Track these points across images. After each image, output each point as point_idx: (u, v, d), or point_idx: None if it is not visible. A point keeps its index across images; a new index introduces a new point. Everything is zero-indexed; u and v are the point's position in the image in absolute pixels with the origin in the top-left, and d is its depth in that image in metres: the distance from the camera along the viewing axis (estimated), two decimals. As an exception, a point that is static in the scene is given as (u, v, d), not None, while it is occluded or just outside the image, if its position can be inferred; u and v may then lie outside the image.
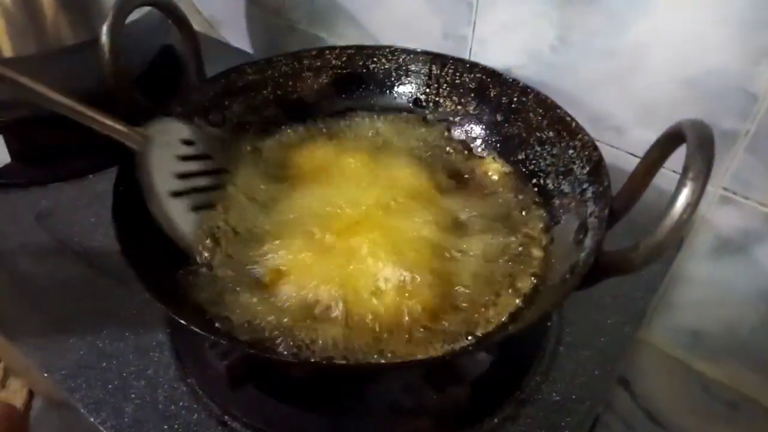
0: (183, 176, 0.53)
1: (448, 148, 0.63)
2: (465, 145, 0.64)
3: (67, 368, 0.53)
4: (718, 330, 0.73)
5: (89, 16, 0.67)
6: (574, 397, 0.51)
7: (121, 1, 0.52)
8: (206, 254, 0.51)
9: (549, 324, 0.56)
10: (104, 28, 0.51)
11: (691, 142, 0.37)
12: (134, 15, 0.66)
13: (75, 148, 0.73)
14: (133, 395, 0.51)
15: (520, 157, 0.59)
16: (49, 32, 0.65)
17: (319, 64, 0.65)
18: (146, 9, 0.65)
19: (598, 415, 0.67)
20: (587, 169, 0.51)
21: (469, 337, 0.46)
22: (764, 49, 0.55)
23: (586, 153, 0.52)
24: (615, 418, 0.88)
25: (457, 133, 0.65)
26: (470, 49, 0.76)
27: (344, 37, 0.87)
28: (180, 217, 0.51)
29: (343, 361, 0.42)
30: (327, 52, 0.65)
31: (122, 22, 0.52)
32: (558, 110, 0.56)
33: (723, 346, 0.73)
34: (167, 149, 0.52)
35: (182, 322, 0.40)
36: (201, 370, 0.52)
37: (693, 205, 0.36)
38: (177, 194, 0.52)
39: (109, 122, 0.49)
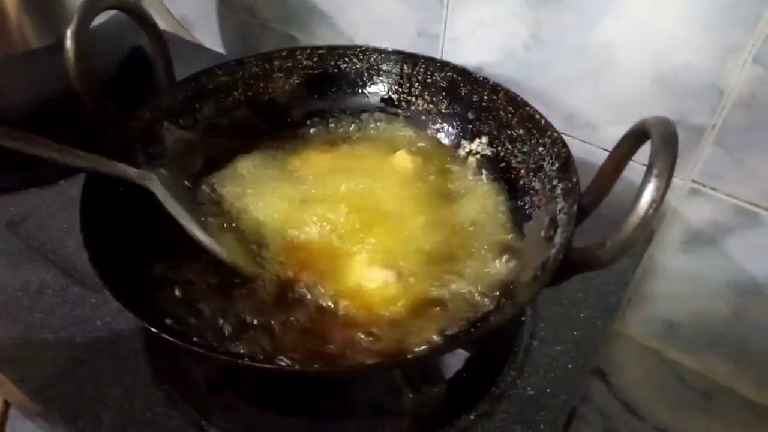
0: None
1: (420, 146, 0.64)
2: (437, 143, 0.64)
3: (42, 378, 0.52)
4: (692, 320, 0.74)
5: (54, 19, 0.66)
6: (548, 391, 0.52)
7: (86, 4, 0.51)
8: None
9: (523, 319, 0.57)
10: (69, 32, 0.50)
11: (656, 139, 0.38)
12: (102, 17, 0.65)
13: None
14: (109, 403, 0.51)
15: (491, 154, 0.60)
16: (13, 34, 0.64)
17: (290, 64, 0.65)
18: (112, 12, 0.65)
19: (575, 408, 0.68)
20: (556, 165, 0.51)
21: (436, 337, 0.46)
22: (730, 45, 0.56)
23: (555, 150, 0.52)
24: (592, 410, 0.90)
25: (430, 131, 0.65)
26: (442, 47, 0.76)
27: (318, 36, 0.87)
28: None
29: (316, 366, 0.42)
30: (298, 52, 0.64)
31: (87, 25, 0.51)
32: (527, 108, 0.56)
33: (697, 336, 0.75)
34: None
35: (154, 330, 0.40)
36: (177, 376, 0.52)
37: (658, 201, 0.36)
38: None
39: (119, 169, 0.50)
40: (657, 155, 0.36)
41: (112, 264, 0.45)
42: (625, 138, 0.43)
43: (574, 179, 0.48)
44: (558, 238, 0.46)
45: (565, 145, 0.52)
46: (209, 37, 1.04)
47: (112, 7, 0.55)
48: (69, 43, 0.51)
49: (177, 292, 0.49)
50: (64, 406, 0.50)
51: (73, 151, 0.49)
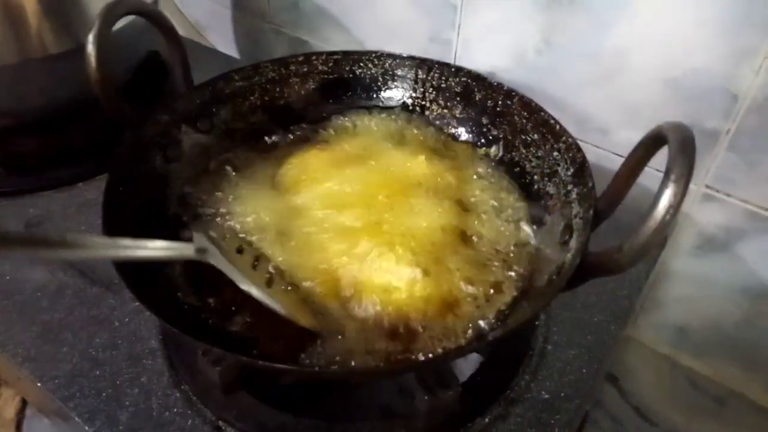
0: None
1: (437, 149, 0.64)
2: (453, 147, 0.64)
3: (60, 377, 0.53)
4: (704, 326, 0.74)
5: (73, 24, 0.66)
6: (562, 395, 0.52)
7: (107, 9, 0.52)
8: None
9: (537, 324, 0.57)
10: (90, 37, 0.51)
11: (673, 145, 0.38)
12: (120, 22, 0.66)
13: (63, 156, 0.73)
14: (127, 403, 0.51)
15: (506, 159, 0.60)
16: (33, 39, 0.65)
17: (305, 69, 0.65)
18: (132, 16, 0.65)
19: (587, 412, 0.68)
20: (572, 170, 0.52)
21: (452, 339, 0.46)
22: (744, 49, 0.56)
23: (570, 155, 0.52)
24: (604, 415, 0.89)
25: (444, 136, 0.65)
26: (455, 52, 0.76)
27: (330, 40, 0.88)
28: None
29: (335, 368, 0.42)
30: (314, 57, 0.65)
31: (108, 30, 0.52)
32: (542, 113, 0.57)
33: (709, 341, 0.75)
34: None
35: (177, 331, 0.40)
36: (194, 376, 0.52)
37: (675, 207, 0.36)
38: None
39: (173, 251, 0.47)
40: (675, 161, 0.37)
41: (133, 264, 0.45)
42: (642, 143, 0.44)
43: (590, 184, 0.48)
44: (573, 243, 0.47)
45: (580, 150, 0.52)
46: (222, 41, 1.05)
47: (131, 12, 0.56)
48: (90, 47, 0.52)
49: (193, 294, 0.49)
50: (82, 405, 0.51)
51: (118, 242, 0.43)
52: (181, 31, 1.06)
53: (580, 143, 0.70)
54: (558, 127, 0.55)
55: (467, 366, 0.54)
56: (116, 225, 0.48)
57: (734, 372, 0.75)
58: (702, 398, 0.79)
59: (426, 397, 0.47)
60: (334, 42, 0.87)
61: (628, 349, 0.82)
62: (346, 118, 0.67)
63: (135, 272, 0.45)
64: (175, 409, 0.51)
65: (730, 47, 0.57)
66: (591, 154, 0.71)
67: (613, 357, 0.72)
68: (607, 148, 0.70)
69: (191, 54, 0.64)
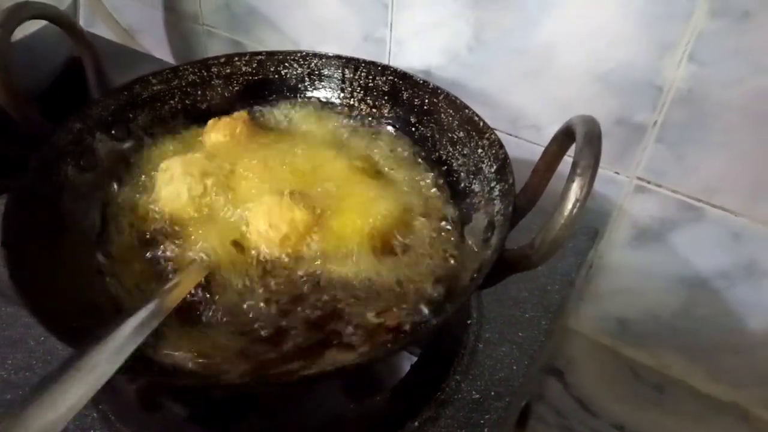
0: None
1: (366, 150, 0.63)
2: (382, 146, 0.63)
3: (-30, 402, 0.50)
4: (643, 316, 0.75)
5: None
6: (492, 393, 0.51)
7: (5, 14, 0.49)
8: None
9: (469, 322, 0.56)
10: (-11, 43, 0.49)
11: (579, 138, 0.38)
12: (32, 27, 0.63)
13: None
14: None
15: (433, 158, 0.59)
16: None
17: (228, 71, 0.63)
18: (44, 22, 0.63)
19: (529, 407, 0.68)
20: (495, 167, 0.51)
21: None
22: (665, 42, 0.56)
23: (493, 151, 0.52)
24: (548, 409, 0.90)
25: (372, 136, 0.64)
26: (389, 51, 0.76)
27: (264, 41, 0.86)
28: None
29: (246, 379, 0.41)
30: (236, 58, 0.63)
31: (8, 35, 0.49)
32: (467, 110, 0.56)
33: (648, 331, 0.75)
34: None
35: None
36: (112, 395, 0.50)
37: (582, 200, 0.36)
38: None
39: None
40: (581, 154, 0.36)
41: (35, 283, 0.43)
42: (555, 138, 0.43)
43: (511, 180, 0.48)
44: (494, 240, 0.46)
45: (502, 146, 0.51)
46: (156, 45, 1.02)
47: (35, 17, 0.53)
48: (-10, 53, 0.49)
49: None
50: (-6, 431, 0.48)
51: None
52: (114, 37, 1.03)
53: (515, 140, 0.71)
54: (482, 123, 0.54)
55: (399, 368, 0.53)
56: (19, 241, 0.45)
57: (674, 360, 0.76)
58: (643, 388, 0.80)
59: (352, 405, 0.46)
60: (268, 43, 0.86)
61: (570, 342, 0.82)
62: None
63: (38, 292, 0.42)
64: (92, 431, 0.48)
65: (653, 41, 0.57)
66: (526, 150, 0.71)
67: (548, 352, 0.72)
68: (541, 144, 0.69)
69: (125, 60, 0.62)
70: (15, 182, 0.49)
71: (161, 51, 1.02)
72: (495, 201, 0.50)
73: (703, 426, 0.79)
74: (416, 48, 0.73)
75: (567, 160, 0.44)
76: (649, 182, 0.65)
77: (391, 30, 0.74)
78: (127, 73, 0.62)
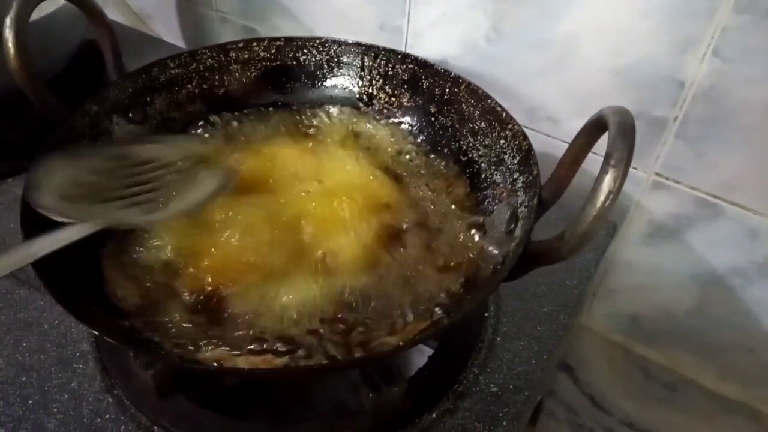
0: None
1: (384, 142, 0.62)
2: (400, 137, 0.63)
3: (-17, 385, 0.50)
4: (656, 314, 0.75)
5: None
6: (511, 387, 0.51)
7: (24, -7, 0.49)
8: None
9: (486, 315, 0.56)
10: (7, 21, 0.48)
11: (613, 130, 0.37)
12: (48, 8, 0.62)
13: (-9, 151, 0.69)
14: (55, 410, 0.48)
15: (453, 148, 0.59)
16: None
17: (246, 56, 0.63)
18: (62, 1, 0.62)
19: (541, 403, 0.68)
20: (518, 158, 0.51)
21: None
22: (688, 38, 0.56)
23: (516, 142, 0.51)
24: (559, 405, 0.90)
25: (392, 125, 0.63)
26: (406, 40, 0.75)
27: (278, 28, 0.85)
28: None
29: (269, 368, 0.40)
30: (255, 43, 0.62)
31: (27, 15, 0.49)
32: (489, 100, 0.55)
33: (661, 329, 0.75)
34: None
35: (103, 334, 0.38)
36: (127, 380, 0.50)
37: (616, 192, 0.36)
38: None
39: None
40: (614, 145, 0.36)
41: (55, 265, 0.43)
42: (584, 129, 0.43)
43: (535, 172, 0.47)
44: (518, 232, 0.46)
45: (526, 137, 0.51)
46: (168, 30, 1.01)
47: (53, -5, 0.52)
48: (8, 33, 0.49)
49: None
50: (6, 414, 0.48)
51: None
52: (125, 21, 1.02)
53: (531, 132, 0.70)
54: (504, 114, 0.54)
55: (416, 360, 0.53)
56: (36, 221, 0.45)
57: (686, 359, 0.75)
58: (654, 386, 0.80)
59: (371, 395, 0.45)
60: (283, 30, 0.85)
61: (582, 339, 0.82)
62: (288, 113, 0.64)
63: (58, 273, 0.42)
64: (108, 415, 0.48)
65: (675, 36, 0.57)
66: (542, 143, 0.70)
67: (564, 347, 0.72)
68: (557, 137, 0.69)
69: (135, 44, 0.61)
70: (32, 161, 0.49)
71: (172, 36, 1.01)
72: (518, 192, 0.49)
73: (714, 425, 0.78)
74: (433, 38, 0.73)
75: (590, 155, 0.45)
76: (667, 178, 0.65)
77: (408, 20, 0.73)
78: (137, 57, 0.62)
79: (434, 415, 0.49)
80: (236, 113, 0.63)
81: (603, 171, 0.35)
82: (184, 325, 0.45)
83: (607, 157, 0.36)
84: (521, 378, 0.52)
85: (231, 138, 0.61)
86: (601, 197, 0.35)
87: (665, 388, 0.79)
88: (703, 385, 0.76)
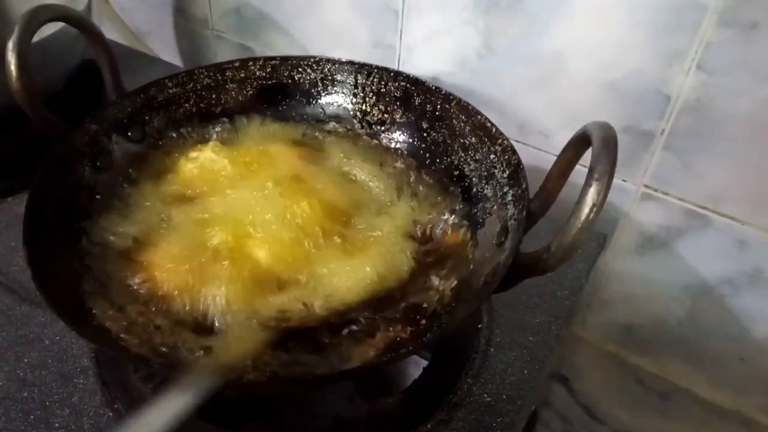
0: None
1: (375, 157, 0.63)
2: (394, 153, 0.64)
3: (-15, 400, 0.50)
4: (649, 324, 0.75)
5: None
6: (504, 397, 0.52)
7: (28, 15, 0.50)
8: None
9: (480, 326, 0.57)
10: (10, 44, 0.49)
11: (596, 144, 0.38)
12: (49, 29, 0.64)
13: (-9, 170, 0.71)
14: (57, 425, 0.49)
15: (445, 163, 0.60)
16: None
17: (242, 75, 0.64)
18: (62, 24, 0.63)
19: (536, 413, 0.68)
20: (507, 172, 0.52)
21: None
22: (674, 51, 0.57)
23: (506, 157, 0.52)
24: (554, 415, 0.90)
25: (385, 141, 0.65)
26: (399, 57, 0.76)
27: (273, 46, 0.87)
28: None
29: (263, 378, 0.41)
30: (251, 63, 0.64)
31: (29, 37, 0.50)
32: (479, 116, 0.57)
33: (654, 339, 0.76)
34: None
35: (105, 348, 0.39)
36: (128, 394, 0.51)
37: (599, 204, 0.37)
38: None
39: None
40: (597, 159, 0.37)
41: (55, 280, 0.44)
42: (569, 144, 0.44)
43: (524, 185, 0.49)
44: (508, 244, 0.47)
45: (515, 152, 0.52)
46: (164, 48, 1.03)
47: (55, 19, 0.54)
48: (11, 55, 0.50)
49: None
50: (7, 429, 0.48)
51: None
52: (122, 39, 1.04)
53: (522, 146, 0.71)
54: (494, 129, 0.55)
55: (410, 372, 0.53)
56: (39, 239, 0.46)
57: (679, 368, 0.76)
58: (648, 395, 0.80)
59: (366, 406, 0.46)
60: (278, 48, 0.86)
61: (577, 349, 0.83)
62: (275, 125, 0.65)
63: (57, 289, 0.43)
64: (108, 430, 0.49)
65: (662, 49, 0.58)
66: (533, 156, 0.71)
67: (557, 357, 0.73)
68: (549, 151, 0.71)
69: (132, 63, 0.63)
70: (32, 181, 0.50)
71: (169, 54, 1.02)
72: (508, 206, 0.50)
73: (708, 433, 0.79)
74: (425, 54, 0.74)
75: (578, 168, 0.46)
76: (656, 190, 0.66)
77: (401, 37, 0.75)
78: (134, 75, 0.63)
79: (429, 426, 0.50)
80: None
81: (587, 184, 0.37)
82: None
83: (591, 171, 0.37)
84: (514, 388, 0.52)
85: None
86: (586, 210, 0.36)
87: (659, 397, 0.79)
88: (696, 394, 0.76)
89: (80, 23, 0.55)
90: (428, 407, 0.51)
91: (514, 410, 0.51)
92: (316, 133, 0.65)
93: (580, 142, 0.42)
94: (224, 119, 0.64)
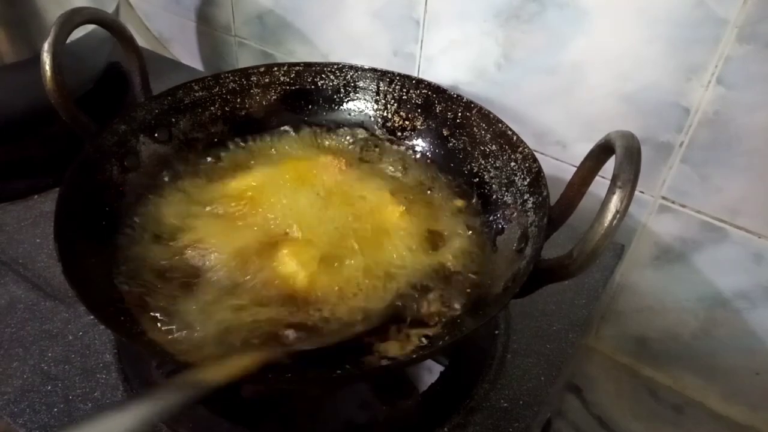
0: None
1: (397, 164, 0.64)
2: (414, 158, 0.65)
3: (10, 393, 0.51)
4: (663, 336, 0.75)
5: (30, 34, 0.66)
6: (521, 402, 0.52)
7: (63, 18, 0.52)
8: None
9: (497, 333, 0.57)
10: (45, 46, 0.51)
11: (620, 153, 0.39)
12: (79, 32, 0.65)
13: (18, 167, 0.72)
14: (79, 419, 0.50)
15: (465, 170, 0.61)
16: (-11, 50, 0.64)
17: (267, 80, 0.65)
18: (91, 26, 0.65)
19: (550, 422, 0.68)
20: (528, 180, 0.53)
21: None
22: (693, 65, 0.58)
23: (527, 165, 0.53)
24: (567, 426, 0.90)
25: (405, 148, 0.66)
26: (419, 66, 0.77)
27: (294, 53, 0.88)
28: None
29: (286, 376, 0.41)
30: (275, 68, 0.65)
31: (64, 39, 0.51)
32: (500, 124, 0.57)
33: (668, 351, 0.76)
34: None
35: (131, 343, 0.40)
36: (144, 387, 0.51)
37: (622, 212, 0.37)
38: None
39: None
40: (621, 167, 0.38)
41: (86, 276, 0.45)
42: (592, 152, 0.45)
43: (545, 193, 0.49)
44: (528, 250, 0.47)
45: (536, 160, 0.53)
46: (186, 53, 1.04)
47: (89, 22, 0.55)
48: (46, 56, 0.51)
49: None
50: (32, 421, 0.49)
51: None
52: (145, 44, 1.06)
53: (540, 156, 0.72)
54: (515, 138, 0.56)
55: (428, 376, 0.54)
56: (69, 236, 0.47)
57: (693, 381, 0.76)
58: (661, 407, 0.80)
59: (384, 408, 0.46)
60: (299, 55, 0.88)
61: (590, 360, 0.83)
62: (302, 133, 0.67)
63: (88, 285, 0.44)
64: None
65: (681, 64, 0.59)
66: (550, 166, 0.72)
67: (572, 365, 0.73)
68: (566, 161, 0.71)
69: (155, 67, 0.64)
70: (63, 179, 0.51)
71: (191, 59, 1.04)
72: (528, 213, 0.51)
73: (721, 447, 0.79)
74: (445, 64, 0.75)
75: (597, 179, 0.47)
76: (673, 202, 0.66)
77: (421, 46, 0.76)
78: (158, 79, 0.64)
79: (446, 430, 0.50)
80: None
81: (610, 191, 0.37)
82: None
83: (614, 179, 0.37)
84: (531, 394, 0.53)
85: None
86: (609, 216, 0.37)
87: (672, 410, 0.79)
88: (710, 408, 0.76)
89: (113, 26, 0.57)
90: (445, 411, 0.51)
91: (530, 416, 0.51)
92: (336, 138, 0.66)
93: (602, 151, 0.43)
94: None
